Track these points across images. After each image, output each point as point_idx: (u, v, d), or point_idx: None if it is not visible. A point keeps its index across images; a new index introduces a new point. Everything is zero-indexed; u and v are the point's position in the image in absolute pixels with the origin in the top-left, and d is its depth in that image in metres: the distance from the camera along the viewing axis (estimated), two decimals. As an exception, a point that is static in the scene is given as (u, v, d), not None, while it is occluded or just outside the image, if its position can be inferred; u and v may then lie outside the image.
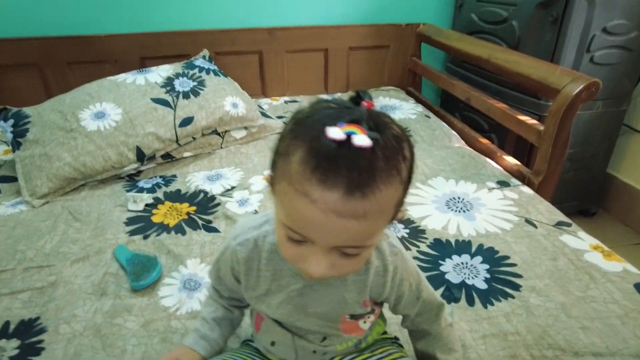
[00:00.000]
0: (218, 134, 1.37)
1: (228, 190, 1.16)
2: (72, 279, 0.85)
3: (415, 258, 0.91)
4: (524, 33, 1.47)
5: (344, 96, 0.42)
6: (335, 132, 0.35)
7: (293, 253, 0.42)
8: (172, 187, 1.17)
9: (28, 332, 0.74)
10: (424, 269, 0.88)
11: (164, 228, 1.00)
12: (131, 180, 1.22)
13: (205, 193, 1.14)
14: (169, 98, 1.30)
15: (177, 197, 1.13)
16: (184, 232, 0.99)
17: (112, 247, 0.93)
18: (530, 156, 1.50)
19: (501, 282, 0.85)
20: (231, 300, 0.62)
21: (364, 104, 0.38)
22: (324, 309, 0.52)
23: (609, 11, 1.34)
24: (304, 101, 1.68)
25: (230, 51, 1.68)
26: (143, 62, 1.61)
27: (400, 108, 1.68)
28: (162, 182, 1.20)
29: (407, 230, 1.00)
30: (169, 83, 1.35)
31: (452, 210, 1.07)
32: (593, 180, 1.69)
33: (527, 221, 1.02)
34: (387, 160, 0.37)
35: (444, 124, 1.57)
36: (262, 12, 1.71)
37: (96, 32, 1.56)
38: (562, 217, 1.03)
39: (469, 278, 0.86)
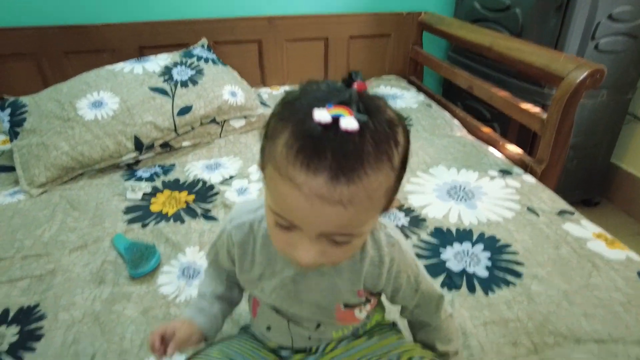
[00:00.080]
0: (217, 123, 1.36)
1: (227, 179, 1.15)
2: (71, 267, 0.85)
3: (415, 246, 0.90)
4: (527, 20, 1.44)
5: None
6: (322, 115, 0.34)
7: (282, 239, 0.41)
8: (171, 176, 1.16)
9: (27, 319, 0.74)
10: (424, 257, 0.87)
11: (162, 217, 1.00)
12: (129, 170, 1.21)
13: (204, 182, 1.13)
14: (167, 87, 1.29)
15: (175, 186, 1.12)
16: (182, 221, 0.98)
17: (110, 236, 0.93)
18: (532, 146, 1.49)
19: (502, 270, 0.84)
20: (230, 278, 0.61)
21: (355, 85, 0.36)
22: (317, 297, 0.51)
23: (615, -3, 1.32)
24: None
25: (229, 40, 1.67)
26: (141, 52, 1.59)
27: (402, 97, 1.66)
28: (161, 171, 1.19)
29: (408, 219, 0.99)
30: (167, 72, 1.33)
31: (453, 198, 1.06)
32: (596, 170, 1.68)
33: (530, 209, 1.01)
34: (377, 145, 0.35)
35: (445, 112, 1.55)
36: (261, 0, 1.69)
37: (93, 22, 1.54)
38: (565, 206, 1.02)
39: (469, 266, 0.85)
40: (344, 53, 1.80)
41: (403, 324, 0.66)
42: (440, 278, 0.82)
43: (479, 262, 0.86)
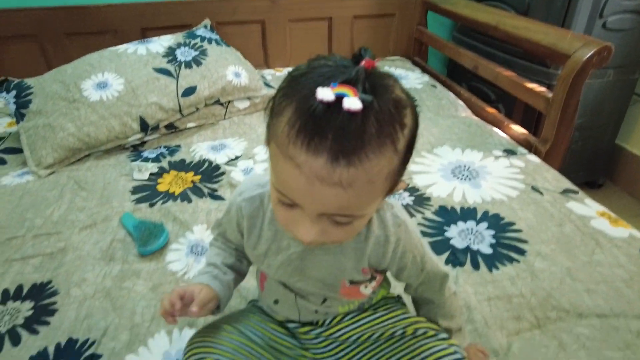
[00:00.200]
0: (221, 104, 1.36)
1: (232, 160, 1.16)
2: (81, 245, 0.87)
3: (419, 224, 0.91)
4: (534, -2, 1.42)
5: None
6: (325, 93, 0.33)
7: (285, 216, 0.41)
8: (177, 157, 1.17)
9: (40, 294, 0.76)
10: (428, 235, 0.88)
11: (169, 196, 1.01)
12: (135, 151, 1.22)
13: (210, 162, 1.14)
14: (171, 68, 1.29)
15: (182, 166, 1.13)
16: (189, 200, 0.99)
17: (118, 215, 0.94)
18: (537, 127, 1.48)
19: (506, 247, 0.85)
20: (239, 250, 0.61)
21: (363, 63, 0.35)
22: (322, 273, 0.52)
23: (624, -27, 1.30)
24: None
25: (231, 21, 1.65)
26: (144, 33, 1.57)
27: (406, 78, 1.65)
28: (167, 152, 1.20)
29: (412, 198, 1.00)
30: (170, 53, 1.33)
31: (457, 178, 1.07)
32: (601, 151, 1.67)
33: (534, 188, 1.01)
34: (380, 127, 0.34)
35: (450, 93, 1.54)
36: (264, -21, 1.66)
37: (95, 2, 1.52)
38: (569, 185, 1.03)
39: (474, 243, 0.86)
40: (347, 33, 1.78)
41: (407, 300, 0.67)
42: (445, 255, 0.83)
43: (483, 240, 0.87)
